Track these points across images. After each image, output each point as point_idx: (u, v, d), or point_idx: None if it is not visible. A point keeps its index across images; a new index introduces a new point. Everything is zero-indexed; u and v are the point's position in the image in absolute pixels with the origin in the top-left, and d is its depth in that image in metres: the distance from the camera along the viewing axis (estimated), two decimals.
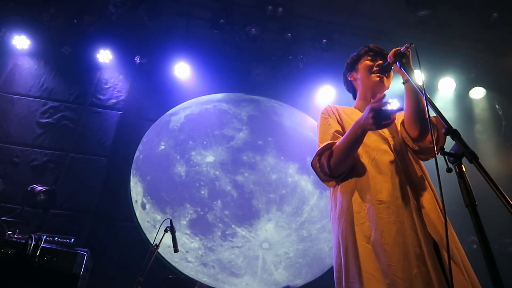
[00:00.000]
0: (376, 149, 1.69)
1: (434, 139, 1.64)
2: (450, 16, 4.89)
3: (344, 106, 1.97)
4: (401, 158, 1.67)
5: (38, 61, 5.44)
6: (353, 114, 1.88)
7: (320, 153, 1.70)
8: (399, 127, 1.79)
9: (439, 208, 1.55)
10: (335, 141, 1.70)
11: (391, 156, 1.67)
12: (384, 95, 1.55)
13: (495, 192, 1.02)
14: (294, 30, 5.21)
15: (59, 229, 4.17)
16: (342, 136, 1.73)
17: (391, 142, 1.74)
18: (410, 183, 1.59)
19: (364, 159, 1.68)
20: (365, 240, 1.48)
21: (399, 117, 1.85)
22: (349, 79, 2.05)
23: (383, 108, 1.48)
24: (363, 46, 2.00)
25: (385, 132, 1.78)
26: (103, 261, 4.19)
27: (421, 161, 1.74)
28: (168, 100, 5.66)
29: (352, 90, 2.08)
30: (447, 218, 1.57)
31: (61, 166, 4.87)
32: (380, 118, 1.48)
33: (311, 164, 1.74)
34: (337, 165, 1.65)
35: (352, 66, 2.02)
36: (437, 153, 1.31)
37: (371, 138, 1.72)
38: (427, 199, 1.56)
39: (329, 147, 1.68)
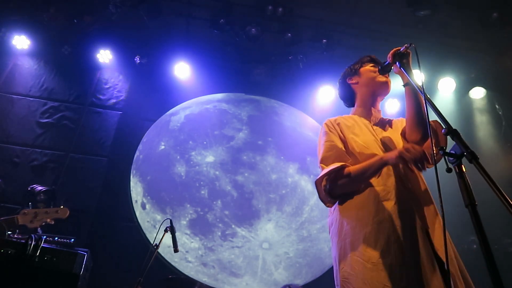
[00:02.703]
0: None
1: (433, 143, 1.65)
2: (450, 16, 4.89)
3: (344, 117, 1.96)
4: (404, 173, 1.67)
5: (38, 61, 5.43)
6: (354, 128, 1.85)
7: (328, 174, 1.68)
8: (400, 137, 1.80)
9: (442, 224, 1.57)
10: (344, 164, 1.68)
11: (393, 170, 1.67)
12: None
13: (495, 192, 1.02)
14: (294, 30, 5.21)
15: (59, 229, 4.17)
16: (346, 155, 1.74)
17: None
18: (414, 200, 1.59)
19: None
20: (365, 257, 1.47)
21: (399, 127, 1.86)
22: (348, 82, 2.03)
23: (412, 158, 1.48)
24: (365, 56, 2.01)
25: (387, 145, 1.77)
26: (103, 261, 4.18)
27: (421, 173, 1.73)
28: (168, 100, 5.66)
29: (350, 95, 2.05)
30: (447, 233, 1.57)
31: (61, 166, 4.87)
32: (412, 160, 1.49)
33: (315, 182, 1.74)
34: (345, 187, 1.67)
35: (353, 71, 2.02)
36: (437, 161, 1.32)
37: (372, 153, 1.72)
38: (432, 215, 1.57)
39: (338, 169, 1.67)
